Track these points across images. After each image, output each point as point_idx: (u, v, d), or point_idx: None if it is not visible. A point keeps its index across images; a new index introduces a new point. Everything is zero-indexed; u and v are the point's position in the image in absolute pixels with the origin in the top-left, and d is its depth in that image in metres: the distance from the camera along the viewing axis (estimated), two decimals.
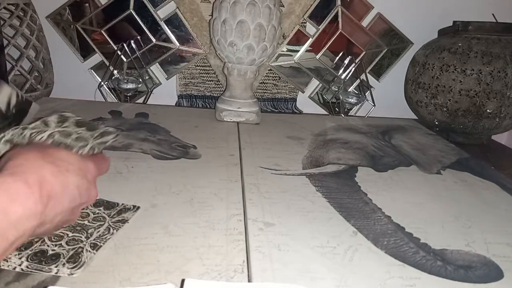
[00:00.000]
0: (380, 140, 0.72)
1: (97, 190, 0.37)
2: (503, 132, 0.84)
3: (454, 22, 0.83)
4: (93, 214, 0.41)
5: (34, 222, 0.28)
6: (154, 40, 0.90)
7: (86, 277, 0.32)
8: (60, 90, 0.91)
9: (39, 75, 0.84)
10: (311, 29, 0.93)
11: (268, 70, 0.95)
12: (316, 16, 0.92)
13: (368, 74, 0.95)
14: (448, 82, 0.77)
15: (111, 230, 0.39)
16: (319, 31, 0.92)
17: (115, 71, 0.91)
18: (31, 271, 0.32)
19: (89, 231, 0.38)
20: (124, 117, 0.75)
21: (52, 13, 0.90)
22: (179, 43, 0.91)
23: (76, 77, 0.94)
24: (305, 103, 1.00)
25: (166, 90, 0.96)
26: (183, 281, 0.31)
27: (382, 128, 0.80)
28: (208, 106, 0.97)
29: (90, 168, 0.35)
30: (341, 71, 0.94)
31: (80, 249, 0.35)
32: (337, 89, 0.95)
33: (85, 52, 0.93)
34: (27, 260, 0.33)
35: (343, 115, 0.93)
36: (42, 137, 0.36)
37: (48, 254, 0.34)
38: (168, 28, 0.90)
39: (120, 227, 0.39)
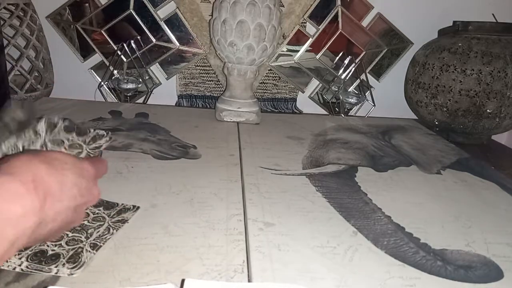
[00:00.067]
0: (380, 140, 0.72)
1: (98, 189, 0.36)
2: (503, 132, 0.84)
3: (454, 22, 0.83)
4: (93, 214, 0.41)
5: (33, 220, 0.28)
6: (154, 40, 0.90)
7: (86, 277, 0.32)
8: (60, 90, 0.91)
9: (39, 75, 0.84)
10: (311, 29, 0.93)
11: (268, 70, 0.95)
12: (316, 16, 0.92)
13: (368, 74, 0.95)
14: (448, 82, 0.77)
15: (111, 230, 0.39)
16: (319, 31, 0.92)
17: (115, 71, 0.91)
18: (31, 271, 0.32)
19: (89, 231, 0.38)
20: (124, 117, 0.75)
21: (52, 13, 0.90)
22: (179, 43, 0.91)
23: (76, 77, 0.94)
24: (305, 103, 1.00)
25: (166, 90, 0.96)
26: (183, 281, 0.31)
27: (382, 128, 0.80)
28: (208, 106, 0.97)
29: (86, 166, 0.35)
30: (341, 71, 0.94)
31: (80, 249, 0.35)
32: (337, 89, 0.95)
33: (85, 52, 0.93)
34: (27, 260, 0.33)
35: (343, 115, 0.93)
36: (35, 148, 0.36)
37: (48, 254, 0.34)
38: (168, 28, 0.90)
39: (120, 227, 0.39)
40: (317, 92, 0.99)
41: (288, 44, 0.93)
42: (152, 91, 0.94)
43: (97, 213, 0.41)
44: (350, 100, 0.93)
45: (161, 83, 0.96)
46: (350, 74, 0.93)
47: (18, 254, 0.34)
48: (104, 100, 0.93)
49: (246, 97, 0.78)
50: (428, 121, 0.85)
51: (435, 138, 0.77)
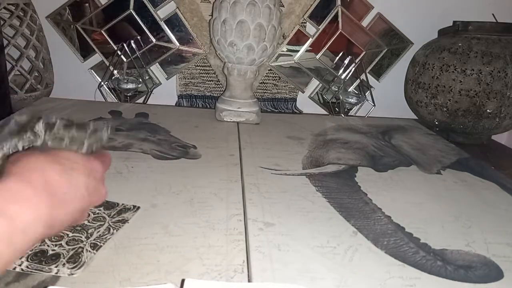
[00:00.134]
0: (380, 140, 0.72)
1: (106, 188, 0.35)
2: (503, 132, 0.84)
3: (454, 22, 0.83)
4: (93, 214, 0.41)
5: (42, 226, 0.27)
6: (154, 40, 0.90)
7: (86, 277, 0.32)
8: (60, 90, 0.91)
9: (39, 75, 0.84)
10: (311, 29, 0.93)
11: (268, 70, 0.95)
12: (316, 16, 0.92)
13: (368, 74, 0.95)
14: (448, 82, 0.77)
15: (111, 230, 0.39)
16: (319, 31, 0.92)
17: (115, 71, 0.91)
18: (31, 271, 0.32)
19: (89, 231, 0.38)
20: (124, 117, 0.75)
21: (52, 13, 0.90)
22: (179, 43, 0.91)
23: (76, 77, 0.94)
24: (305, 103, 1.00)
25: (166, 90, 0.96)
26: (183, 281, 0.31)
27: (382, 128, 0.80)
28: (208, 106, 0.97)
29: (96, 166, 0.34)
30: (341, 71, 0.94)
31: (80, 249, 0.35)
32: (337, 89, 0.95)
33: (85, 52, 0.93)
34: (27, 260, 0.33)
35: (343, 115, 0.93)
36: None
37: (48, 254, 0.34)
38: (168, 28, 0.90)
39: (120, 227, 0.39)
40: (317, 92, 0.99)
41: (288, 44, 0.93)
42: (152, 91, 0.94)
43: (98, 213, 0.41)
44: (350, 100, 0.93)
45: (161, 83, 0.96)
46: (350, 74, 0.93)
47: None
48: (104, 100, 0.93)
49: (246, 97, 0.78)
50: (428, 121, 0.85)
51: (435, 138, 0.77)
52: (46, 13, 0.89)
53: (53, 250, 0.35)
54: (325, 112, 0.99)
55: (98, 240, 0.37)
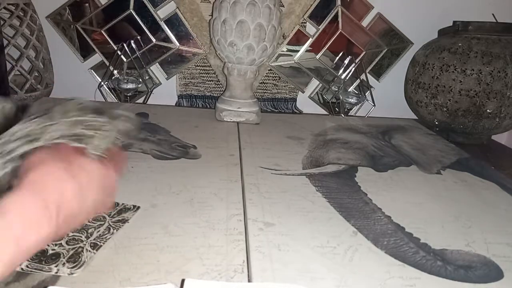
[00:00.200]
0: (380, 140, 0.72)
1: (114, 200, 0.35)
2: (503, 132, 0.84)
3: (454, 22, 0.83)
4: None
5: (45, 244, 0.27)
6: (154, 40, 0.90)
7: (86, 276, 0.32)
8: (60, 90, 0.91)
9: (39, 75, 0.84)
10: (311, 29, 0.93)
11: (268, 70, 0.95)
12: (316, 16, 0.92)
13: (368, 74, 0.95)
14: (448, 82, 0.77)
15: (111, 230, 0.39)
16: (319, 31, 0.92)
17: (115, 71, 0.91)
18: (31, 271, 0.32)
19: (89, 230, 0.38)
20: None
21: (52, 13, 0.90)
22: (179, 43, 0.91)
23: (76, 77, 0.94)
24: (305, 103, 1.00)
25: (166, 90, 0.96)
26: (183, 281, 0.31)
27: (382, 128, 0.80)
28: (208, 106, 0.97)
29: (111, 179, 0.34)
30: (341, 71, 0.94)
31: (80, 249, 0.35)
32: (337, 89, 0.95)
33: (85, 52, 0.93)
34: (27, 260, 0.33)
35: (343, 115, 0.93)
36: (58, 131, 0.34)
37: (48, 254, 0.34)
38: (168, 28, 0.90)
39: (120, 227, 0.39)
40: (317, 92, 0.99)
41: (288, 44, 0.93)
42: (152, 91, 0.94)
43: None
44: (350, 100, 0.93)
45: (161, 83, 0.96)
46: (350, 74, 0.93)
47: None
48: (104, 100, 0.93)
49: (246, 97, 0.78)
50: (428, 121, 0.85)
51: (435, 138, 0.77)
52: (46, 13, 0.89)
53: (53, 249, 0.35)
54: (325, 112, 0.99)
55: (98, 240, 0.37)
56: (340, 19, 0.91)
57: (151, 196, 0.47)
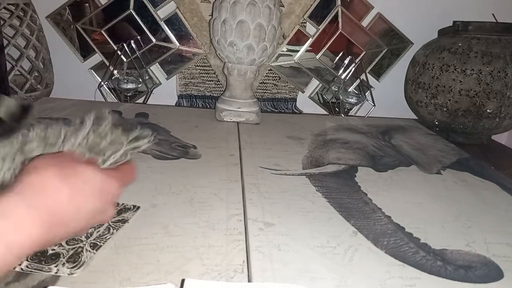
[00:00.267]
0: (380, 140, 0.72)
1: (114, 210, 0.35)
2: (503, 132, 0.84)
3: (454, 22, 0.83)
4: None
5: (34, 248, 0.27)
6: (154, 40, 0.90)
7: (86, 277, 0.32)
8: (60, 90, 0.91)
9: (39, 75, 0.84)
10: (311, 29, 0.93)
11: (268, 70, 0.95)
12: (316, 16, 0.92)
13: (368, 74, 0.95)
14: (448, 82, 0.77)
15: (111, 230, 0.39)
16: (319, 31, 0.92)
17: (115, 71, 0.91)
18: (31, 271, 0.32)
19: (89, 230, 0.38)
20: (124, 117, 0.75)
21: (52, 13, 0.90)
22: (179, 43, 0.91)
23: (76, 77, 0.94)
24: (305, 103, 1.00)
25: (166, 90, 0.96)
26: (183, 281, 0.31)
27: (382, 128, 0.80)
28: (208, 106, 0.97)
29: (112, 188, 0.33)
30: (341, 71, 0.94)
31: (80, 249, 0.35)
32: (337, 89, 0.95)
33: (85, 52, 0.93)
34: (27, 260, 0.33)
35: (343, 115, 0.93)
36: (76, 139, 0.34)
37: (48, 254, 0.34)
38: (168, 28, 0.90)
39: (120, 227, 0.39)
40: (317, 92, 0.99)
41: (288, 44, 0.93)
42: (152, 91, 0.94)
43: None
44: (350, 100, 0.93)
45: (161, 83, 0.96)
46: (350, 74, 0.93)
47: None
48: (104, 100, 0.93)
49: (246, 97, 0.78)
50: (428, 121, 0.85)
51: (435, 138, 0.77)
52: (46, 13, 0.89)
53: (53, 249, 0.35)
54: (325, 112, 0.99)
55: (98, 240, 0.37)
56: (340, 19, 0.91)
57: (151, 196, 0.47)
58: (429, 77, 0.80)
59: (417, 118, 0.91)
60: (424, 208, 0.49)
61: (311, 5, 0.90)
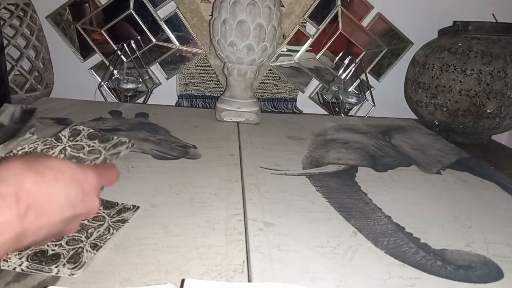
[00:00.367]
0: (380, 140, 0.72)
1: (98, 201, 0.34)
2: (503, 132, 0.84)
3: (454, 22, 0.83)
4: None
5: (9, 233, 0.26)
6: (154, 40, 0.90)
7: (86, 277, 0.32)
8: (60, 90, 0.91)
9: (39, 75, 0.84)
10: (311, 29, 0.93)
11: (268, 70, 0.95)
12: (316, 16, 0.92)
13: (368, 74, 0.95)
14: (448, 82, 0.77)
15: (111, 230, 0.39)
16: (319, 31, 0.92)
17: (115, 71, 0.91)
18: (31, 272, 0.32)
19: (89, 231, 0.38)
20: (124, 117, 0.75)
21: (52, 13, 0.90)
22: (179, 43, 0.91)
23: (76, 77, 0.94)
24: (305, 103, 1.00)
25: (166, 90, 0.96)
26: (183, 281, 0.31)
27: (382, 128, 0.80)
28: (208, 106, 0.97)
29: (88, 177, 0.33)
30: (341, 71, 0.94)
31: (80, 249, 0.35)
32: (337, 89, 0.95)
33: (85, 52, 0.93)
34: (27, 260, 0.33)
35: (343, 115, 0.93)
36: (53, 153, 0.35)
37: (48, 254, 0.34)
38: (168, 28, 0.90)
39: (120, 227, 0.39)
40: (317, 92, 0.99)
41: (288, 44, 0.93)
42: (152, 91, 0.94)
43: (97, 213, 0.41)
44: (350, 100, 0.93)
45: (161, 83, 0.96)
46: (350, 74, 0.93)
47: (18, 254, 0.34)
48: (104, 100, 0.93)
49: (246, 97, 0.78)
50: (428, 121, 0.85)
51: (435, 138, 0.77)
52: (46, 13, 0.89)
53: (53, 250, 0.35)
54: (325, 112, 0.99)
55: (98, 240, 0.37)
56: (340, 19, 0.91)
57: (151, 196, 0.47)
58: (429, 77, 0.80)
59: (417, 118, 0.91)
60: (424, 208, 0.49)
61: (311, 5, 0.90)
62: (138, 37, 0.90)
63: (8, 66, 0.78)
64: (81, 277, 0.32)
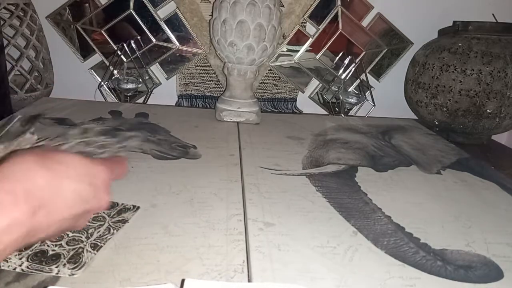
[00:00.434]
0: (380, 140, 0.72)
1: (109, 196, 0.34)
2: (503, 132, 0.84)
3: (454, 22, 0.83)
4: (93, 214, 0.41)
5: (19, 231, 0.26)
6: (154, 40, 0.90)
7: (86, 277, 0.32)
8: (60, 90, 0.91)
9: (39, 75, 0.84)
10: (311, 29, 0.93)
11: (268, 70, 0.95)
12: (316, 16, 0.92)
13: (368, 74, 0.95)
14: (448, 82, 0.77)
15: (111, 230, 0.39)
16: (319, 31, 0.92)
17: (115, 71, 0.91)
18: (31, 272, 0.32)
19: (89, 231, 0.38)
20: (124, 117, 0.75)
21: (52, 13, 0.90)
22: (179, 43, 0.91)
23: (76, 77, 0.94)
24: (305, 103, 1.00)
25: (166, 90, 0.96)
26: (183, 281, 0.31)
27: (382, 128, 0.80)
28: (208, 106, 0.97)
29: (98, 172, 0.33)
30: (341, 71, 0.94)
31: (80, 249, 0.35)
32: (337, 89, 0.95)
33: (85, 52, 0.93)
34: (28, 260, 0.33)
35: (343, 115, 0.93)
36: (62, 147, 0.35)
37: (48, 255, 0.34)
38: (168, 28, 0.90)
39: (120, 227, 0.39)
40: (317, 92, 0.99)
41: (288, 44, 0.93)
42: (152, 91, 0.94)
43: (98, 213, 0.41)
44: (350, 100, 0.93)
45: (161, 83, 0.96)
46: (350, 74, 0.93)
47: (19, 254, 0.34)
48: (104, 100, 0.93)
49: (246, 97, 0.78)
50: (428, 121, 0.85)
51: (435, 138, 0.77)
52: (46, 13, 0.89)
53: (53, 250, 0.35)
54: (325, 112, 0.99)
55: (99, 240, 0.37)
56: (340, 19, 0.91)
57: (151, 196, 0.47)
58: (429, 77, 0.80)
59: (417, 118, 0.91)
60: (424, 208, 0.49)
61: (311, 5, 0.90)
62: (138, 37, 0.90)
63: (8, 66, 0.78)
64: (81, 277, 0.32)
